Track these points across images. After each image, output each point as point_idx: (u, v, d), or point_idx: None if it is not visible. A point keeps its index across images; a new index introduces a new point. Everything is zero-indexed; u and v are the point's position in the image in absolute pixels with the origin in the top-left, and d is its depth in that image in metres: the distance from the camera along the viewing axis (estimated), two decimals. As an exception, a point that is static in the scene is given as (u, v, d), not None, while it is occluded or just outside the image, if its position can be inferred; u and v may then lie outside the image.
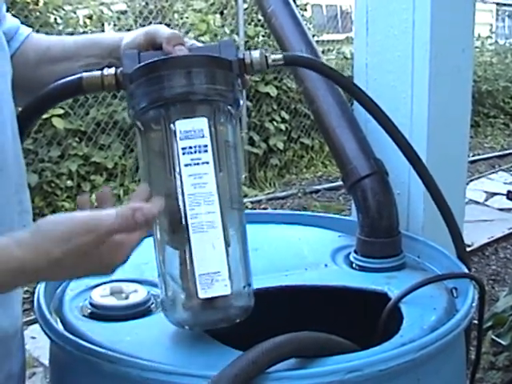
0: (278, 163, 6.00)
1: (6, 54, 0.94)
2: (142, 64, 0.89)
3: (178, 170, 0.84)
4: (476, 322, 1.13)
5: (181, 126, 0.85)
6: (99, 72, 0.94)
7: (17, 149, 0.92)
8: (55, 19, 5.08)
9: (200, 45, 1.01)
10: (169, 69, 0.87)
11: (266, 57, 0.95)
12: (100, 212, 0.77)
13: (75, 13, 5.36)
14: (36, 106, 0.99)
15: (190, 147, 0.84)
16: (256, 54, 0.94)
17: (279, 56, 0.97)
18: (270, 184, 5.77)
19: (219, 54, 0.92)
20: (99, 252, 0.75)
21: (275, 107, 6.00)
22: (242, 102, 0.93)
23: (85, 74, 0.95)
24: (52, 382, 1.00)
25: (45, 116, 4.28)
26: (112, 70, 0.93)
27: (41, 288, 1.01)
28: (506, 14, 15.96)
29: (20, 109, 0.98)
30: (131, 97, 0.90)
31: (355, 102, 1.28)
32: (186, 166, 0.84)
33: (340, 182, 1.24)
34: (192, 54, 0.94)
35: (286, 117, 6.09)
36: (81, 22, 5.35)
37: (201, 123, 0.85)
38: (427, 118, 1.28)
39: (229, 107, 0.90)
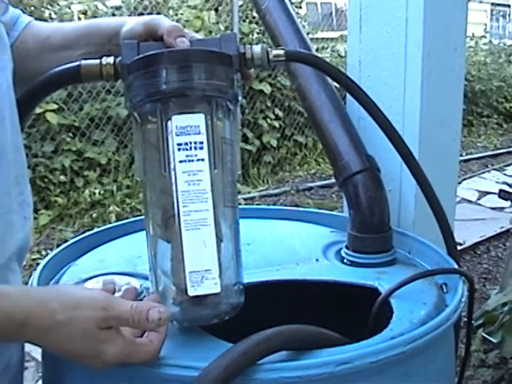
0: (271, 160, 6.01)
1: (6, 47, 0.93)
2: (141, 56, 0.87)
3: (172, 165, 0.83)
4: (466, 319, 1.14)
5: (177, 121, 0.83)
6: (98, 61, 0.92)
7: (17, 141, 0.92)
8: (50, 14, 5.07)
9: (201, 37, 0.99)
10: (168, 62, 0.85)
11: (267, 52, 0.93)
12: (119, 298, 0.80)
13: (70, 8, 5.35)
14: (33, 93, 0.97)
15: (186, 143, 0.82)
16: (257, 48, 0.93)
17: (281, 52, 0.95)
18: (263, 181, 5.77)
19: (220, 48, 0.90)
20: (97, 335, 0.74)
21: (269, 104, 6.00)
22: (240, 98, 0.91)
23: (83, 62, 0.93)
24: (45, 377, 1.00)
25: (38, 111, 4.27)
26: (110, 60, 0.92)
27: (34, 280, 1.01)
28: (501, 13, 16.02)
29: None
30: (129, 88, 0.88)
31: (348, 99, 1.29)
32: (181, 162, 0.82)
33: (333, 180, 1.25)
34: (192, 48, 0.93)
35: (280, 114, 6.10)
36: (75, 17, 5.33)
37: (198, 119, 0.83)
38: (419, 116, 1.29)
39: (227, 103, 0.88)
